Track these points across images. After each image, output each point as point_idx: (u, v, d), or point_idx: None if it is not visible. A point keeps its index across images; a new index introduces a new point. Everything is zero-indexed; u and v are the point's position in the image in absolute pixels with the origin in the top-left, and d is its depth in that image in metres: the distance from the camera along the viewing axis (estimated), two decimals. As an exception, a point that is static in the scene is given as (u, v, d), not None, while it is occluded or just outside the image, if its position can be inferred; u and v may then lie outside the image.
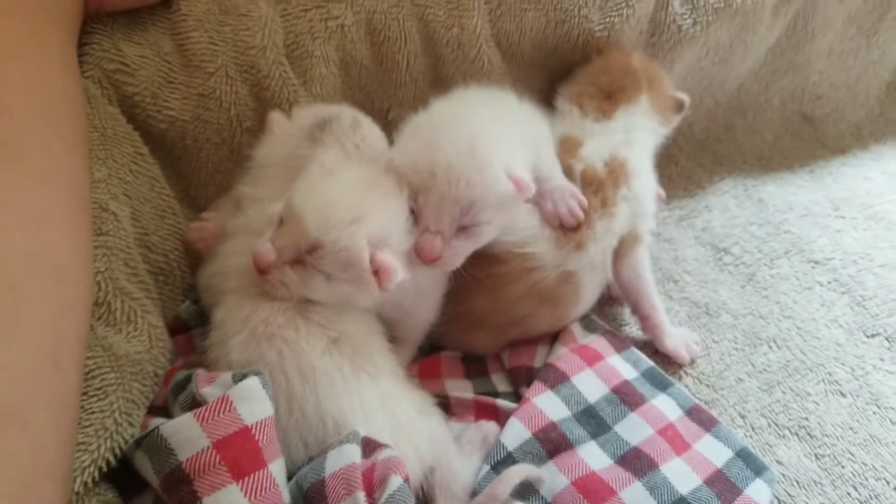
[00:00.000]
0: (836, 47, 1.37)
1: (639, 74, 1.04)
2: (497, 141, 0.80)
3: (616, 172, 0.96)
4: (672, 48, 1.16)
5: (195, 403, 0.65)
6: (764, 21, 1.22)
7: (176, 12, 0.93)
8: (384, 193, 0.77)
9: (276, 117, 0.91)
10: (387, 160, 0.80)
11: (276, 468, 0.60)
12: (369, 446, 0.65)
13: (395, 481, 0.60)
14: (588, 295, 0.96)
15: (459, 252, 0.80)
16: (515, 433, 0.81)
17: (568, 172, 0.95)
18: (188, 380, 0.69)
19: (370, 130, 0.90)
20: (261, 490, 0.57)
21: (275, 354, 0.71)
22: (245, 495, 0.56)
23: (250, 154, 0.91)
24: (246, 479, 0.57)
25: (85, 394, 0.64)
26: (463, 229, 0.79)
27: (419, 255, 0.78)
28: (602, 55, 1.09)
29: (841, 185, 1.31)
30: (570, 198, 0.91)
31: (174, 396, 0.69)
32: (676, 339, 0.98)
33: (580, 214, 0.90)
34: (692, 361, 0.99)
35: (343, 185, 0.76)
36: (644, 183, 0.98)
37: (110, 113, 0.88)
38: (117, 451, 0.63)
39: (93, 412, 0.63)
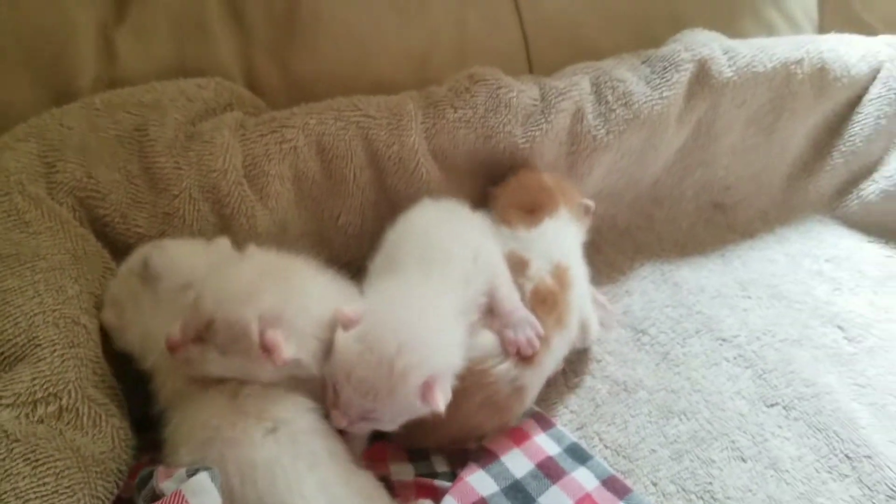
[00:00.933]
0: (738, 145, 1.54)
1: (553, 189, 1.18)
2: (426, 351, 0.85)
3: (563, 280, 1.08)
4: (589, 155, 1.32)
5: (155, 497, 0.75)
6: (669, 128, 1.38)
7: (145, 137, 1.06)
8: (287, 277, 0.88)
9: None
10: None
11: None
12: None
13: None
14: (533, 396, 1.07)
15: (363, 430, 0.92)
16: (447, 510, 0.92)
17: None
18: (150, 475, 0.79)
19: (160, 259, 0.93)
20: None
21: (217, 456, 0.79)
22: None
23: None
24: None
25: (55, 492, 0.74)
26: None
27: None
28: (517, 176, 1.23)
29: (748, 267, 1.46)
30: (529, 328, 1.01)
31: (138, 491, 0.79)
32: None
33: (536, 345, 1.00)
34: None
35: (243, 269, 0.88)
36: (585, 287, 1.14)
37: (81, 234, 1.00)
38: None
39: None
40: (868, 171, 1.60)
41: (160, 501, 0.70)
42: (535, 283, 1.07)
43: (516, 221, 1.14)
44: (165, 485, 0.74)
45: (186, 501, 0.70)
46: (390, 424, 0.89)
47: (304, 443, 0.84)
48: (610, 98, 1.31)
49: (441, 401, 0.84)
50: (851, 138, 1.59)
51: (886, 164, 1.58)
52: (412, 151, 1.19)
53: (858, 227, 1.59)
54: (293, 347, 0.83)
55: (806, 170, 1.63)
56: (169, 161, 1.05)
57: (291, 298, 0.86)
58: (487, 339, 1.00)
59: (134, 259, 0.95)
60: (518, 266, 1.08)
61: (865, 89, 1.58)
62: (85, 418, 0.83)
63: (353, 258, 1.19)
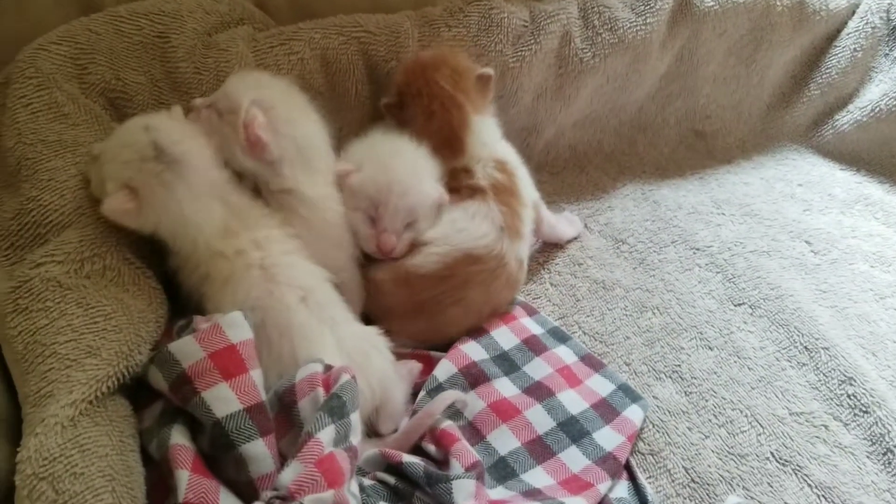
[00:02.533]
0: (719, 74, 1.63)
1: (454, 96, 1.19)
2: (427, 165, 1.13)
3: (507, 171, 1.19)
4: (577, 77, 1.42)
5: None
6: (653, 54, 1.48)
7: (167, 43, 1.15)
8: (288, 91, 1.09)
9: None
10: (349, 181, 1.09)
11: (255, 375, 0.81)
12: (329, 368, 0.86)
13: (344, 377, 0.82)
14: (526, 268, 1.22)
15: (406, 242, 1.10)
16: (445, 369, 1.04)
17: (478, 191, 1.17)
18: (188, 322, 0.90)
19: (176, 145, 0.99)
20: (244, 388, 0.79)
21: (258, 320, 0.91)
22: (232, 390, 0.78)
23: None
24: (233, 379, 0.79)
25: (105, 330, 0.85)
26: (408, 225, 1.09)
27: (380, 250, 1.08)
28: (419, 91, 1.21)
29: (724, 188, 1.56)
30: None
31: (177, 335, 0.90)
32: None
33: None
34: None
35: (262, 74, 1.11)
36: (523, 169, 1.24)
37: (113, 128, 1.10)
38: (131, 370, 0.84)
39: (112, 341, 0.85)
40: (843, 102, 1.71)
41: (198, 332, 0.81)
42: (490, 181, 1.17)
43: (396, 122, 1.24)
44: (203, 325, 0.85)
45: (222, 330, 0.81)
46: (427, 221, 1.12)
47: (328, 310, 0.98)
48: (596, 22, 1.40)
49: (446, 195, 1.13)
50: (828, 70, 1.69)
51: (861, 96, 1.69)
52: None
53: (832, 155, 1.70)
54: (268, 134, 1.00)
55: (784, 100, 1.73)
56: (189, 67, 1.14)
57: (286, 105, 1.06)
58: (485, 227, 1.12)
59: (135, 141, 0.95)
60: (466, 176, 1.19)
61: (844, 23, 1.68)
62: (125, 277, 0.94)
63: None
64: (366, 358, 0.97)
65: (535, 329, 1.14)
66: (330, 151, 1.13)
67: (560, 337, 1.15)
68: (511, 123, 1.39)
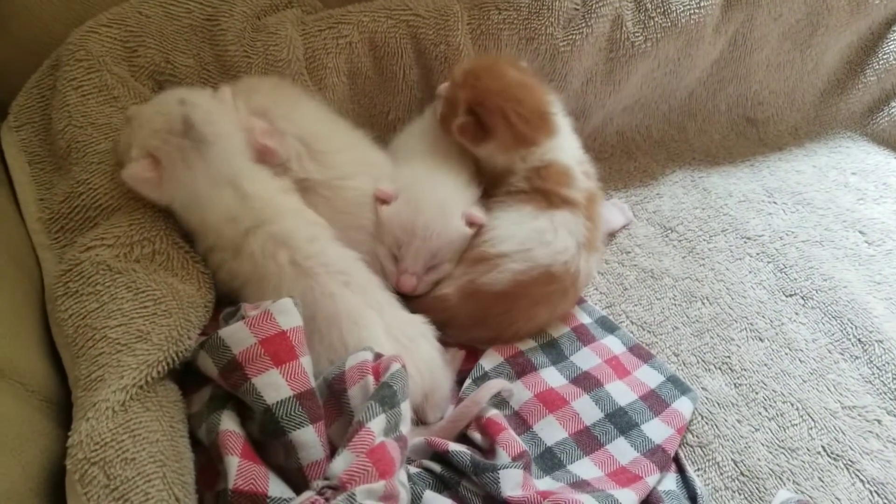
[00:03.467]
0: (773, 60, 1.59)
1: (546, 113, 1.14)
2: (460, 199, 1.09)
3: (592, 177, 1.16)
4: (627, 62, 1.38)
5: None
6: (706, 38, 1.44)
7: (216, 27, 1.15)
8: (278, 85, 1.10)
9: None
10: (381, 212, 1.07)
11: (306, 362, 0.81)
12: (379, 356, 0.86)
13: (395, 366, 0.81)
14: None
15: (429, 283, 1.08)
16: (491, 358, 1.03)
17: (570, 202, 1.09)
18: (236, 309, 0.90)
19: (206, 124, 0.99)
20: (294, 374, 0.78)
21: (309, 315, 0.90)
22: (283, 377, 0.78)
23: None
24: (283, 366, 0.78)
25: (155, 314, 0.86)
26: (431, 268, 1.07)
27: (400, 289, 1.05)
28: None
29: (776, 176, 1.52)
30: None
31: (224, 321, 0.90)
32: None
33: None
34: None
35: (253, 79, 1.12)
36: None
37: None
38: (181, 355, 0.84)
39: (162, 325, 0.85)
40: (900, 89, 1.65)
41: (249, 318, 0.81)
42: (584, 193, 1.11)
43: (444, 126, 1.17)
44: (251, 312, 0.85)
45: (273, 318, 0.81)
46: (450, 264, 1.08)
47: (371, 294, 0.98)
48: (649, 6, 1.37)
49: (483, 217, 1.09)
50: (885, 56, 1.63)
51: (919, 83, 1.62)
52: (457, 51, 1.26)
53: (887, 143, 1.65)
54: (271, 139, 1.02)
55: (839, 86, 1.68)
56: (238, 50, 1.14)
57: (281, 105, 1.07)
58: (567, 241, 1.06)
59: (167, 111, 0.95)
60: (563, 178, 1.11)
61: (903, 8, 1.61)
62: (175, 261, 0.95)
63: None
64: (413, 344, 0.96)
65: (584, 318, 1.13)
66: (339, 127, 1.14)
67: (608, 327, 1.13)
68: None
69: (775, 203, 1.44)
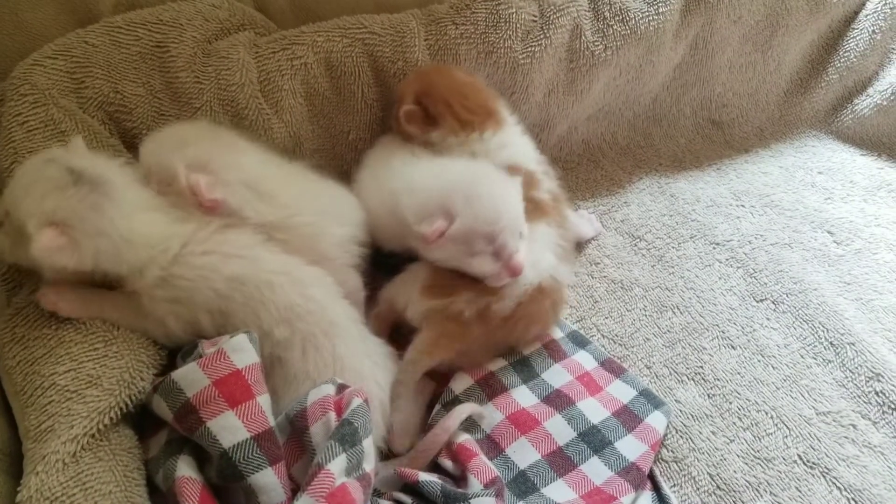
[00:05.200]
0: (735, 62, 1.58)
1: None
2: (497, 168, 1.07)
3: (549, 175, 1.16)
4: (588, 71, 1.37)
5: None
6: (666, 44, 1.43)
7: (166, 53, 1.12)
8: (217, 138, 1.02)
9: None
10: (449, 235, 0.97)
11: (263, 400, 0.79)
12: (342, 388, 0.84)
13: (356, 401, 0.79)
14: None
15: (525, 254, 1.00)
16: (461, 381, 1.01)
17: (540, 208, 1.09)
18: (193, 347, 0.88)
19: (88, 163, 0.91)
20: (251, 415, 0.76)
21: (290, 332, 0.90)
22: (239, 418, 0.75)
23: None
24: (239, 407, 0.76)
25: (105, 356, 0.83)
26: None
27: (514, 273, 0.97)
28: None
29: (743, 179, 1.52)
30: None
31: (182, 359, 0.88)
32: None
33: None
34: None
35: (178, 126, 1.05)
36: None
37: (112, 144, 1.08)
38: (134, 399, 0.82)
39: (112, 368, 0.83)
40: (862, 86, 1.65)
41: (203, 358, 0.79)
42: (550, 193, 1.13)
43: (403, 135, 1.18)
44: (209, 350, 0.83)
45: (227, 357, 0.79)
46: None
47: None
48: (607, 14, 1.36)
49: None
50: (846, 54, 1.63)
51: (881, 79, 1.63)
52: (415, 68, 1.24)
53: (852, 141, 1.65)
54: (219, 191, 0.94)
55: (802, 86, 1.68)
56: (189, 76, 1.11)
57: (219, 153, 0.99)
58: (550, 259, 1.05)
59: (45, 174, 0.85)
60: (530, 180, 1.11)
61: (862, 5, 1.62)
62: (124, 300, 0.92)
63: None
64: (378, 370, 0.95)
65: (555, 333, 1.11)
66: (278, 165, 1.07)
67: (579, 341, 1.11)
68: (522, 120, 1.32)
69: (743, 206, 1.44)
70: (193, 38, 1.14)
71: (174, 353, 0.93)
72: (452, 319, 1.00)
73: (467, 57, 1.28)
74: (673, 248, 1.33)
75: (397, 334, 1.07)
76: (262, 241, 0.97)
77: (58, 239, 0.82)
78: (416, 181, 1.05)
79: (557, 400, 1.01)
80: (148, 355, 0.87)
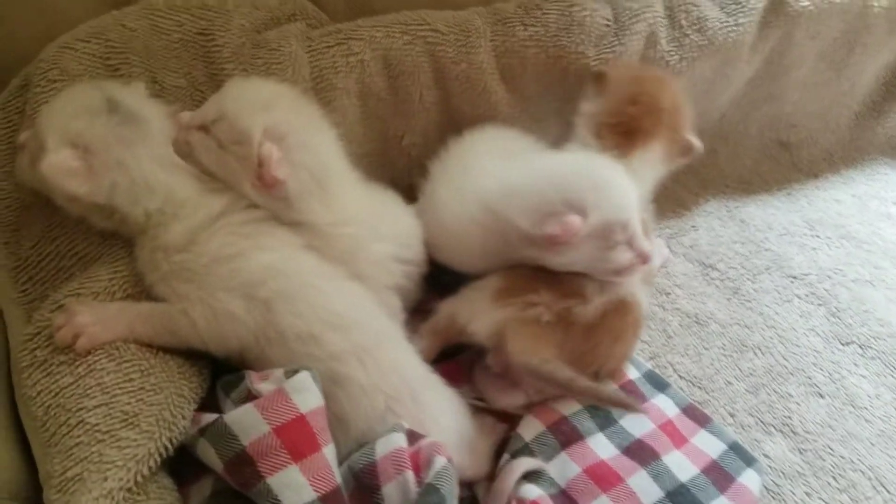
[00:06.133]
0: (809, 79, 1.47)
1: (662, 118, 1.07)
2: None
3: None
4: (665, 81, 1.26)
5: (251, 397, 0.72)
6: (743, 56, 1.32)
7: (210, 42, 1.00)
8: (298, 102, 0.90)
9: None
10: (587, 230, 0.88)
11: (329, 452, 0.67)
12: (413, 437, 0.72)
13: (439, 461, 0.67)
14: None
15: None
16: (531, 427, 0.89)
17: None
18: (239, 379, 0.76)
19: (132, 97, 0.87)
20: (317, 470, 0.64)
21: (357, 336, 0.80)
22: (304, 475, 0.64)
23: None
24: (304, 461, 0.64)
25: (142, 389, 0.71)
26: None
27: (646, 260, 0.91)
28: (638, 78, 1.11)
29: (815, 206, 1.41)
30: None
31: (225, 394, 0.76)
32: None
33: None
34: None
35: (267, 83, 0.90)
36: None
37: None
38: (174, 441, 0.70)
39: (151, 404, 0.70)
40: (939, 113, 1.55)
41: (260, 399, 0.67)
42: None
43: (608, 138, 1.06)
44: (261, 386, 0.71)
45: (289, 398, 0.67)
46: None
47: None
48: (684, 22, 1.25)
49: None
50: (924, 78, 1.52)
51: (958, 107, 1.52)
52: (480, 70, 1.14)
53: (927, 171, 1.54)
54: (286, 170, 0.82)
55: (874, 109, 1.57)
56: (236, 67, 1.00)
57: (299, 129, 0.86)
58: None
59: (85, 97, 0.82)
60: None
61: (942, 28, 1.51)
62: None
63: (415, 182, 1.13)
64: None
65: (631, 373, 1.00)
66: (346, 167, 0.95)
67: (657, 383, 1.00)
68: None
69: (818, 237, 1.33)
70: (241, 27, 1.02)
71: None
72: (532, 324, 0.90)
73: (535, 61, 1.17)
74: (748, 279, 1.22)
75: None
76: (302, 245, 0.87)
77: (72, 161, 0.76)
78: (513, 183, 0.94)
79: (640, 452, 0.89)
80: (190, 388, 0.76)
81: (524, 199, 0.92)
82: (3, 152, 0.92)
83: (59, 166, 0.75)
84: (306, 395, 0.68)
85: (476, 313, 0.92)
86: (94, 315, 0.74)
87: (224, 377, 0.79)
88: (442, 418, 0.82)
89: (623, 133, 1.06)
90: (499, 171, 0.99)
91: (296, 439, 0.65)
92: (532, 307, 0.91)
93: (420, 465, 0.68)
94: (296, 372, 0.71)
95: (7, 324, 0.81)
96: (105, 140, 0.78)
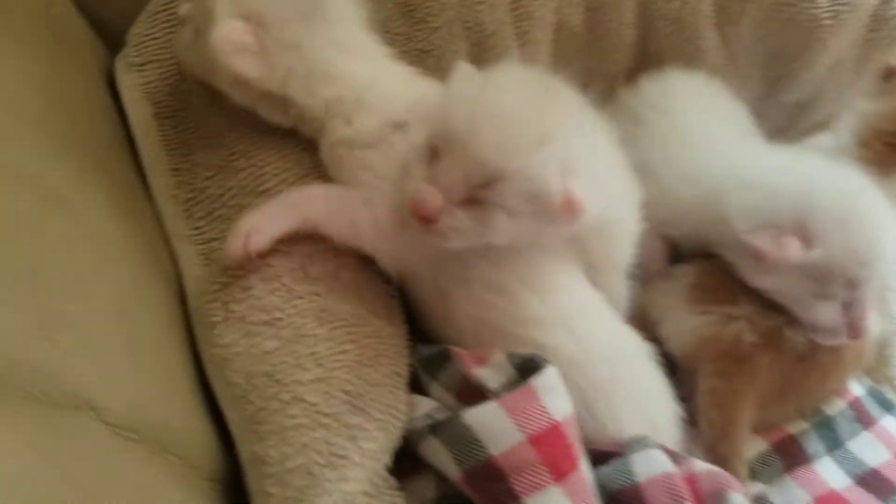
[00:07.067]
0: None
1: None
2: None
3: None
4: (889, 45, 1.09)
5: (467, 385, 0.61)
6: None
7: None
8: (564, 100, 0.68)
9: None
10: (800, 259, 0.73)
11: (586, 468, 0.56)
12: (674, 458, 0.60)
13: (737, 498, 0.56)
14: None
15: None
16: (754, 444, 0.78)
17: None
18: (442, 357, 0.65)
19: None
20: (579, 492, 0.53)
21: None
22: (567, 497, 0.52)
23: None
24: (565, 479, 0.53)
25: (359, 362, 0.61)
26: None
27: (857, 336, 0.75)
28: None
29: None
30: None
31: (428, 375, 0.65)
32: None
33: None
34: None
35: (516, 94, 0.63)
36: None
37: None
38: (403, 433, 0.59)
39: (374, 384, 0.61)
40: None
41: (507, 398, 0.55)
42: None
43: (873, 150, 0.88)
44: (481, 372, 0.59)
45: (538, 400, 0.55)
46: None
47: None
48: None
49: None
50: None
51: None
52: (694, 11, 0.99)
53: None
54: (593, 199, 0.62)
55: None
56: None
57: (583, 135, 0.67)
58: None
59: None
60: None
61: None
62: (363, 283, 0.68)
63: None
64: None
65: (856, 389, 0.86)
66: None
67: (884, 403, 0.87)
68: (788, 94, 1.09)
69: None
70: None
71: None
72: (732, 347, 0.76)
73: (759, 8, 1.00)
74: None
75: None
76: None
77: (243, 35, 0.66)
78: (753, 173, 0.79)
79: (877, 485, 0.78)
80: (403, 364, 0.64)
81: (751, 196, 0.77)
82: (167, 61, 0.79)
83: (230, 39, 0.65)
84: (557, 398, 0.57)
85: (668, 312, 0.81)
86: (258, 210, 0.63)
87: (420, 349, 0.67)
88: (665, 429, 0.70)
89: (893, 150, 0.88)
90: (728, 153, 0.85)
91: (554, 454, 0.54)
92: (732, 321, 0.78)
93: (702, 497, 0.56)
94: (533, 362, 0.58)
95: (179, 263, 0.70)
96: (282, 15, 0.67)
